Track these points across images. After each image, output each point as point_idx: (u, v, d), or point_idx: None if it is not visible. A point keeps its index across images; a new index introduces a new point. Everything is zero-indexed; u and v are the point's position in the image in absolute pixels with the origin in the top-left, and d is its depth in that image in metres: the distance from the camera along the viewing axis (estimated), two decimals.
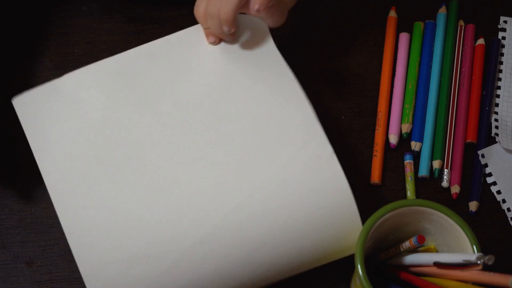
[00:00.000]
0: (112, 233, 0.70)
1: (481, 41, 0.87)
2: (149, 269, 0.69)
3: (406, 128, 0.82)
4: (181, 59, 0.76)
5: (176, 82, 0.75)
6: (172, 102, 0.74)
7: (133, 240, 0.69)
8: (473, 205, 0.80)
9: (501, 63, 0.87)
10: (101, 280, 0.68)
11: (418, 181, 0.81)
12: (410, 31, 0.87)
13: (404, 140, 0.83)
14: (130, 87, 0.75)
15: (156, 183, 0.71)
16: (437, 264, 0.66)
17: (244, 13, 0.74)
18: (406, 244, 0.69)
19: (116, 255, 0.69)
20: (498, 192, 0.81)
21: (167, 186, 0.71)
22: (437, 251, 0.72)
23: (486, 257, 0.62)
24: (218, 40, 0.76)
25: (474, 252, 0.66)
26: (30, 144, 0.72)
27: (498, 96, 0.85)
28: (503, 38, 0.88)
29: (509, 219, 0.81)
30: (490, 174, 0.82)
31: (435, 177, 0.81)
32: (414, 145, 0.82)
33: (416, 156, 0.82)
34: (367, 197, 0.80)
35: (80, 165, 0.72)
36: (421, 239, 0.67)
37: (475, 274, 0.64)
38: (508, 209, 0.81)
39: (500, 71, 0.86)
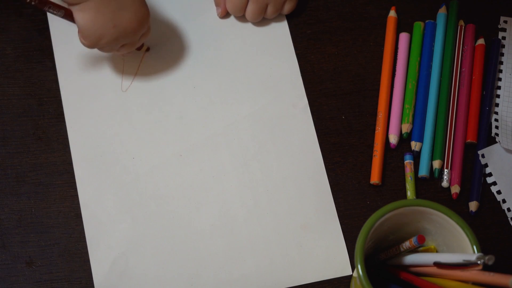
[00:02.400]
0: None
1: (481, 41, 0.87)
2: None
3: (406, 128, 0.82)
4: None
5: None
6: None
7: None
8: (473, 205, 0.80)
9: (501, 63, 0.87)
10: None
11: (418, 181, 0.81)
12: (410, 31, 0.87)
13: (404, 140, 0.83)
14: None
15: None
16: (437, 264, 0.66)
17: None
18: (406, 244, 0.69)
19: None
20: (498, 192, 0.81)
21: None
22: (437, 251, 0.72)
23: (486, 257, 0.62)
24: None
25: (474, 252, 0.66)
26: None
27: (498, 96, 0.85)
28: (503, 38, 0.88)
29: (509, 219, 0.81)
30: (490, 174, 0.82)
31: (435, 177, 0.81)
32: (414, 145, 0.82)
33: (416, 156, 0.82)
34: (367, 197, 0.80)
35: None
36: (421, 239, 0.67)
37: (475, 274, 0.64)
38: (508, 209, 0.81)
39: (500, 71, 0.86)
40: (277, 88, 0.83)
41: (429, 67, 0.85)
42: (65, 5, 0.72)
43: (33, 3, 0.70)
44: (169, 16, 0.85)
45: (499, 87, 0.86)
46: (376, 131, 0.82)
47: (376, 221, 0.67)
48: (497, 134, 0.83)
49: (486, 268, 0.63)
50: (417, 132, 0.82)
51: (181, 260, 0.76)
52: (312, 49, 0.86)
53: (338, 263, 0.77)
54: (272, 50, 0.85)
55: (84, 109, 0.80)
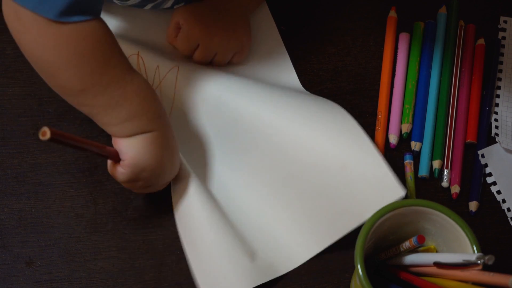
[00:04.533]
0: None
1: (481, 41, 0.87)
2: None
3: (406, 128, 0.82)
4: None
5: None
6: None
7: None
8: (473, 205, 0.80)
9: (501, 63, 0.87)
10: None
11: (418, 181, 0.81)
12: (410, 31, 0.87)
13: (404, 140, 0.83)
14: None
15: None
16: (437, 264, 0.66)
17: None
18: (406, 244, 0.69)
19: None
20: (498, 192, 0.81)
21: None
22: (437, 251, 0.72)
23: (486, 257, 0.62)
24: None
25: (474, 252, 0.66)
26: None
27: (498, 96, 0.85)
28: (503, 38, 0.88)
29: (509, 219, 0.81)
30: (490, 174, 0.82)
31: (435, 177, 0.81)
32: (414, 145, 0.82)
33: (416, 156, 0.82)
34: None
35: None
36: (421, 239, 0.67)
37: (475, 274, 0.64)
38: (508, 209, 0.81)
39: (500, 71, 0.86)
40: (271, 83, 0.83)
41: (429, 67, 0.85)
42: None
43: (62, 142, 0.63)
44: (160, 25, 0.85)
45: (499, 87, 0.86)
46: (376, 131, 0.82)
47: (376, 221, 0.67)
48: (497, 134, 0.83)
49: (486, 268, 0.63)
50: (417, 132, 0.82)
51: (248, 232, 0.76)
52: (312, 49, 0.86)
53: (389, 187, 0.74)
54: (261, 45, 0.85)
55: None
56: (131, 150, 0.69)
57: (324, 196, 0.76)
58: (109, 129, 0.69)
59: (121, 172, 0.69)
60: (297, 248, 0.76)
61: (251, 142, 0.78)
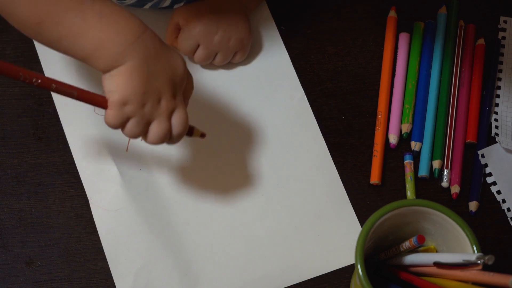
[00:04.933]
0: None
1: (481, 41, 0.87)
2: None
3: (406, 128, 0.82)
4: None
5: None
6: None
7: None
8: (473, 205, 0.80)
9: (501, 63, 0.87)
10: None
11: (418, 181, 0.81)
12: (410, 31, 0.87)
13: (404, 140, 0.83)
14: None
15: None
16: (437, 264, 0.66)
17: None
18: (406, 244, 0.69)
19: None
20: (498, 192, 0.81)
21: None
22: (437, 251, 0.72)
23: (486, 257, 0.62)
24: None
25: (474, 252, 0.66)
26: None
27: (498, 96, 0.85)
28: (503, 38, 0.88)
29: (509, 219, 0.81)
30: (490, 174, 0.82)
31: (435, 177, 0.81)
32: (414, 145, 0.82)
33: (416, 156, 0.82)
34: (367, 197, 0.80)
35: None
36: (421, 239, 0.67)
37: (475, 274, 0.64)
38: (508, 209, 0.81)
39: (500, 71, 0.86)
40: (271, 82, 0.83)
41: (429, 67, 0.85)
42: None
43: (35, 83, 0.61)
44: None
45: (499, 87, 0.86)
46: (376, 131, 0.82)
47: (376, 221, 0.67)
48: (497, 134, 0.83)
49: (486, 268, 0.63)
50: (417, 132, 0.82)
51: (203, 265, 0.76)
52: (312, 49, 0.86)
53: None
54: (261, 45, 0.85)
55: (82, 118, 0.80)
56: (110, 84, 0.64)
57: (298, 239, 0.78)
58: (91, 64, 0.64)
59: (107, 113, 0.64)
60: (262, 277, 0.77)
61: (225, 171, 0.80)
